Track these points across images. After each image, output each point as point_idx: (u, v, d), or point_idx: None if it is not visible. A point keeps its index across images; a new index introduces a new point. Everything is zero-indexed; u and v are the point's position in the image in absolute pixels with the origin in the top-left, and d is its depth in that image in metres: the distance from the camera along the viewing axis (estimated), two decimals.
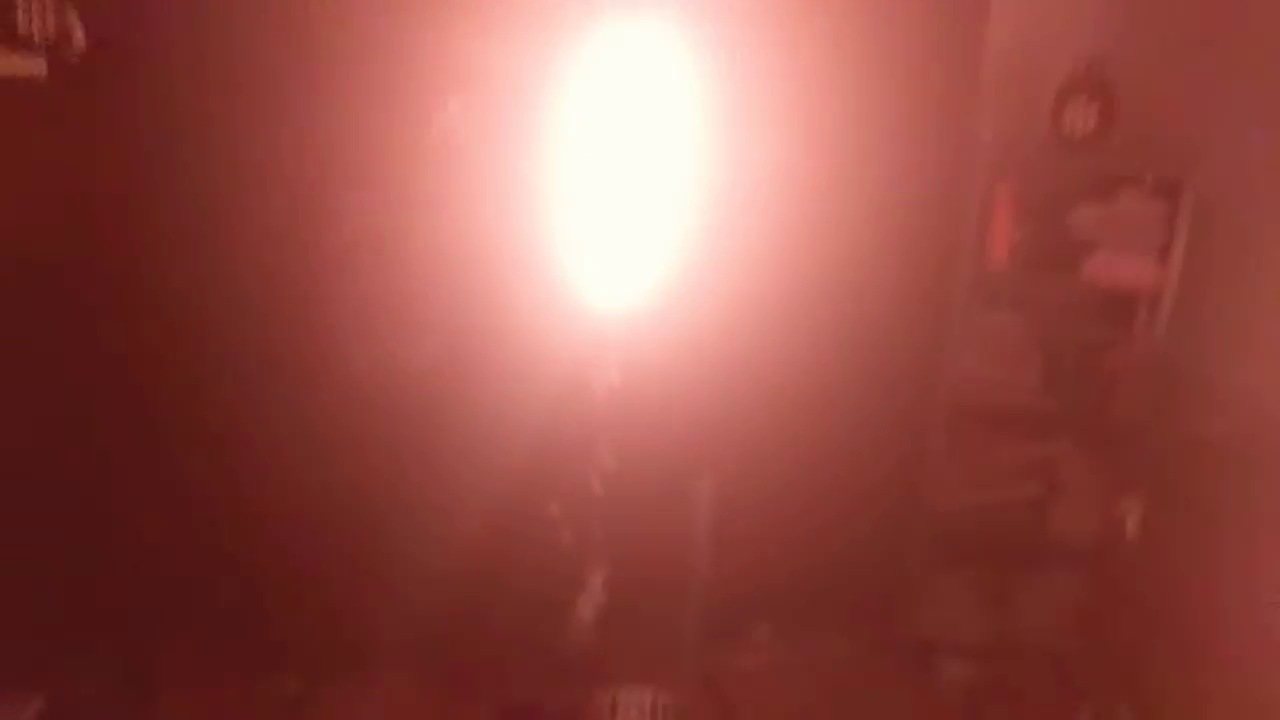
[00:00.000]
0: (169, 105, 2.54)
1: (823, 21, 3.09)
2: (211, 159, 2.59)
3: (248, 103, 2.63)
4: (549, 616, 2.94)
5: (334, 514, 2.89)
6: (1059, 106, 3.20)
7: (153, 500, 2.72)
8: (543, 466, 2.87)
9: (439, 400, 2.79)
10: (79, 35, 2.43)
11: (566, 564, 2.93)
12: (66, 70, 2.41)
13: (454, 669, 2.99)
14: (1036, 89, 3.18)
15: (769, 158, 3.02)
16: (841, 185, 3.14)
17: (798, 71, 3.01)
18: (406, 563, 2.90)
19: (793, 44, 3.04)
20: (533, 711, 2.91)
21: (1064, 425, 3.31)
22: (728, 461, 3.10)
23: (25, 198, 2.47)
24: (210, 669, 2.89)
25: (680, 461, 2.99)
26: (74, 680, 2.74)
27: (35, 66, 2.36)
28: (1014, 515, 3.34)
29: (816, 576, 3.38)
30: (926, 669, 3.38)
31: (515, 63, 2.67)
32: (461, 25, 2.65)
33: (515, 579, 2.91)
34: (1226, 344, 3.08)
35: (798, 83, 2.99)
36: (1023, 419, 3.31)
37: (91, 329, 2.59)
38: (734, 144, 2.97)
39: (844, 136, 3.13)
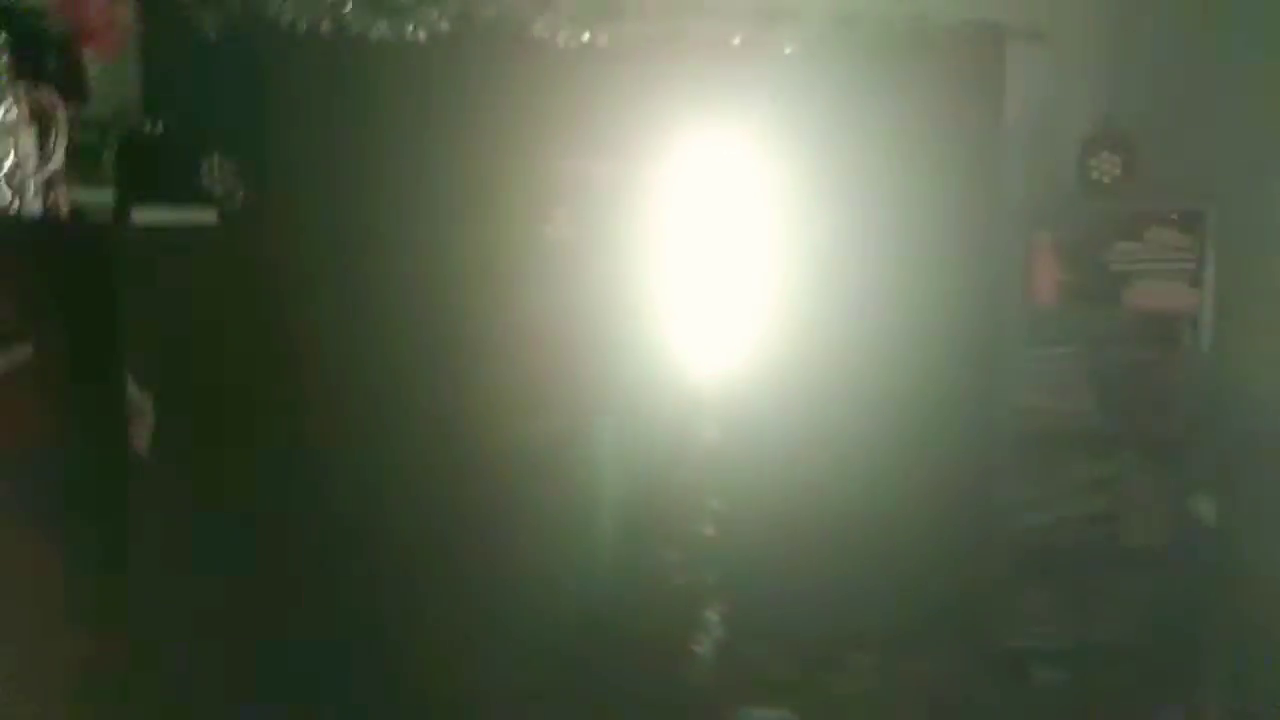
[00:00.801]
0: (316, 238, 3.05)
1: (863, 112, 3.52)
2: (351, 278, 3.08)
3: (379, 226, 3.13)
4: (674, 655, 3.29)
5: (463, 581, 3.25)
6: (1085, 159, 3.59)
7: None
8: (659, 518, 3.26)
9: (565, 466, 3.20)
10: (240, 190, 2.93)
11: (687, 605, 3.29)
12: (231, 217, 2.90)
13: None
14: (1063, 146, 3.58)
15: (834, 236, 3.44)
16: (898, 252, 3.52)
17: (850, 160, 3.45)
18: (539, 617, 3.26)
19: (841, 137, 3.48)
20: None
21: (1124, 442, 3.62)
22: (817, 499, 3.46)
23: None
24: None
25: (778, 501, 3.35)
26: None
27: (209, 215, 2.85)
28: (1088, 528, 3.64)
29: (907, 602, 3.67)
30: (1019, 678, 3.65)
31: (611, 174, 3.14)
32: (562, 144, 3.14)
33: (641, 622, 3.27)
34: (1262, 350, 3.40)
35: (851, 170, 3.42)
36: (1085, 440, 3.63)
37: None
38: (800, 227, 3.40)
39: (896, 211, 3.52)
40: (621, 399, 3.21)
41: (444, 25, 3.19)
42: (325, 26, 3.11)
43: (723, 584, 3.34)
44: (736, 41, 3.42)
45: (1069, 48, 3.55)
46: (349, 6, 3.13)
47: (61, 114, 1.72)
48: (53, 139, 1.70)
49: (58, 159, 1.72)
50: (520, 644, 3.19)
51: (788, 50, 3.46)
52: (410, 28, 3.16)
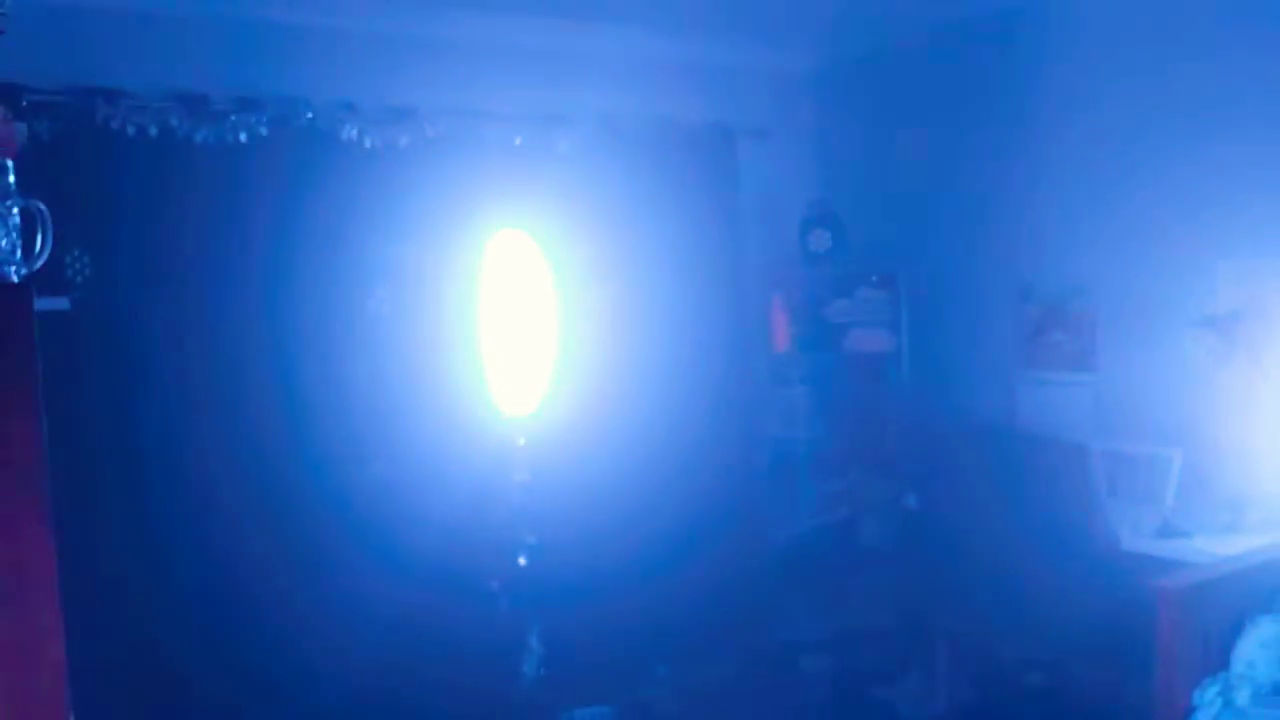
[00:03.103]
0: (158, 318, 3.34)
1: (625, 197, 4.19)
2: (196, 349, 3.38)
3: (221, 301, 3.46)
4: (499, 667, 3.72)
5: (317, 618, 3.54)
6: (804, 233, 4.45)
7: None
8: (477, 550, 3.71)
9: (389, 507, 3.59)
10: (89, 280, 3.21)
11: (507, 625, 3.74)
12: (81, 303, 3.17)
13: None
14: (787, 223, 4.42)
15: (613, 301, 4.07)
16: (667, 314, 4.21)
17: (618, 237, 4.10)
18: (373, 642, 3.58)
19: (610, 218, 4.13)
20: None
21: (851, 460, 4.44)
22: (613, 531, 4.01)
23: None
24: None
25: (581, 533, 3.88)
26: None
27: (61, 303, 3.11)
28: (833, 534, 4.41)
29: (694, 614, 4.26)
30: (791, 666, 4.32)
31: (425, 258, 3.65)
32: (383, 232, 3.61)
33: (466, 641, 3.67)
34: (945, 375, 4.34)
35: (620, 245, 4.07)
36: (821, 461, 4.42)
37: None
38: (584, 295, 4.02)
39: (663, 281, 4.21)
40: (438, 448, 3.66)
41: (262, 130, 3.59)
42: (153, 131, 3.44)
43: (539, 607, 3.80)
44: (518, 141, 4.02)
45: (787, 145, 4.42)
46: (173, 114, 3.47)
47: None
48: None
49: None
50: (361, 668, 3.49)
51: (561, 148, 4.09)
52: (232, 132, 3.54)
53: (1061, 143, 4.04)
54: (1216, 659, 2.79)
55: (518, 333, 3.88)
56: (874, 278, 4.46)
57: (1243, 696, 2.67)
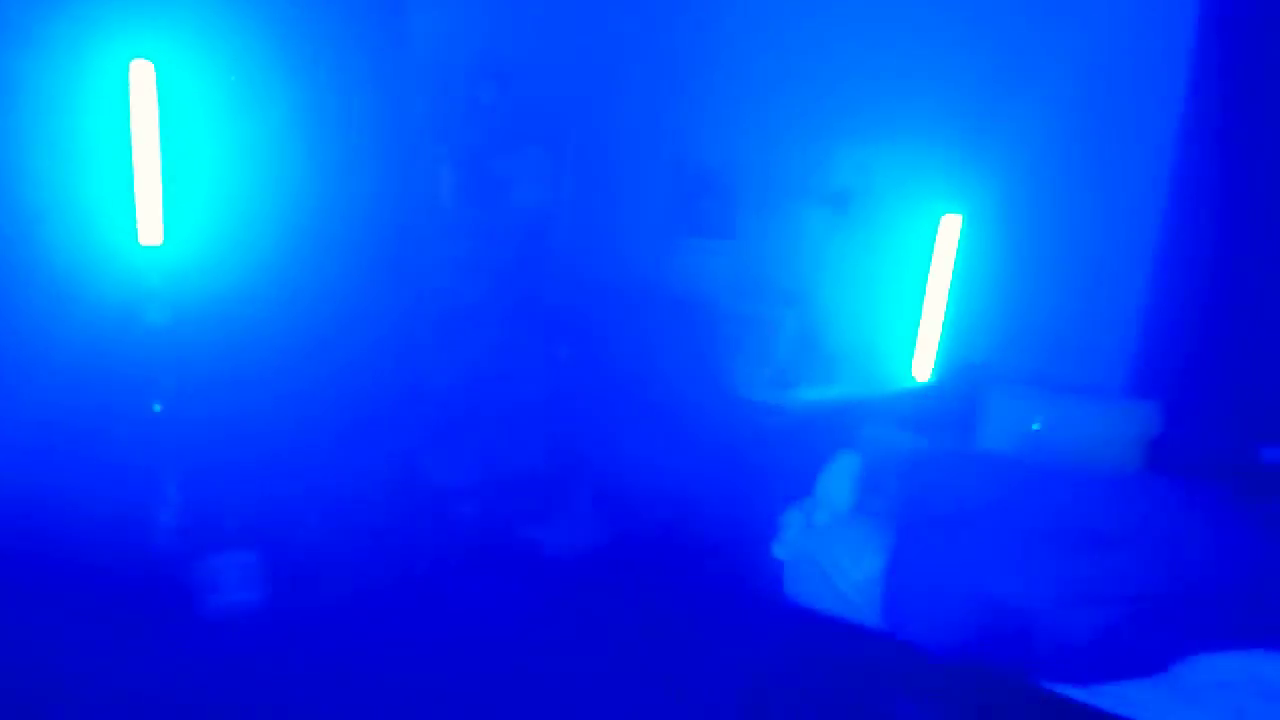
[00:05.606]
0: None
1: (281, 30, 3.94)
2: None
3: None
4: (134, 518, 3.57)
5: None
6: (472, 88, 4.42)
7: None
8: (108, 394, 3.50)
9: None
10: None
11: (143, 476, 3.58)
12: None
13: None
14: (456, 78, 4.37)
15: (264, 152, 3.84)
16: (322, 161, 4.04)
17: (275, 76, 3.85)
18: None
19: (266, 54, 3.87)
20: None
21: (511, 313, 4.57)
22: (267, 376, 3.90)
23: None
24: None
25: (226, 375, 3.75)
26: None
27: None
28: (489, 384, 4.55)
29: (346, 459, 4.26)
30: (442, 512, 4.47)
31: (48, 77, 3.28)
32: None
33: (96, 494, 3.48)
34: (604, 235, 4.55)
35: (277, 86, 3.83)
36: (483, 314, 4.51)
37: None
38: (230, 140, 3.76)
39: (319, 125, 4.02)
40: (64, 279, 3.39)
41: None
42: None
43: (177, 456, 3.66)
44: None
45: None
46: None
47: None
48: None
49: None
50: None
51: None
52: None
53: (723, 29, 4.29)
54: (806, 487, 3.21)
55: (151, 164, 3.58)
56: (540, 136, 4.53)
57: (822, 518, 3.09)
